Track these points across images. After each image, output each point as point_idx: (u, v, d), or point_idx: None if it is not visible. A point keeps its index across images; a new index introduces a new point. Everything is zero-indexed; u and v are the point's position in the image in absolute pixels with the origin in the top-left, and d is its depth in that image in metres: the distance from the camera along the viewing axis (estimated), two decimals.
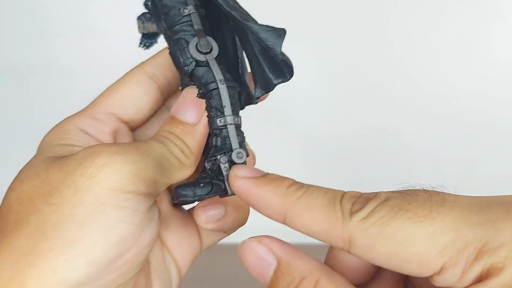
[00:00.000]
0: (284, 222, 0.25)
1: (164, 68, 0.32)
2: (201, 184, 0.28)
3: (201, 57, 0.28)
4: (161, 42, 0.32)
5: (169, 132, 0.29)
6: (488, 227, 0.22)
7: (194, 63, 0.28)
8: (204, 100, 0.28)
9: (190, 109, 0.29)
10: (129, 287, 0.27)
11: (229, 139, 0.28)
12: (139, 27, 0.32)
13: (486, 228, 0.22)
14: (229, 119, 0.28)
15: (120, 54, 0.54)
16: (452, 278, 0.22)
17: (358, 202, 0.24)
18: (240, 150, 0.28)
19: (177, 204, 0.31)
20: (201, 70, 0.28)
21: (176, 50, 0.28)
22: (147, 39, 0.33)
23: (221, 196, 0.29)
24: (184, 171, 0.28)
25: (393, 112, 0.67)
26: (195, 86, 0.29)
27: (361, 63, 0.66)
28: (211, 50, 0.29)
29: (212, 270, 0.64)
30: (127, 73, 0.32)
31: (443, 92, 0.66)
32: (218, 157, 0.28)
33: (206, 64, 0.28)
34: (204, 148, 0.29)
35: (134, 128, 0.32)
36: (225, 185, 0.28)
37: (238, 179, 0.26)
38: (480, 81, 0.66)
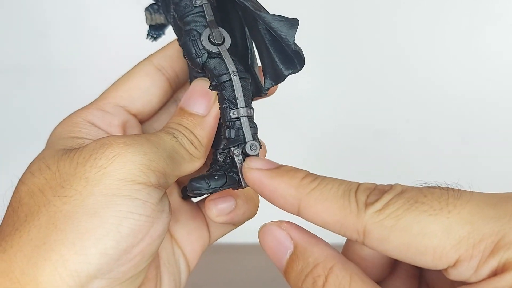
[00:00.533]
0: (298, 213, 0.25)
1: (172, 60, 0.32)
2: (215, 177, 0.27)
3: (213, 49, 0.28)
4: (168, 34, 0.32)
5: (178, 124, 0.29)
6: (505, 222, 0.22)
7: (206, 54, 0.28)
8: (213, 92, 0.29)
9: (200, 100, 0.29)
10: (140, 279, 0.27)
11: (243, 131, 0.28)
12: (146, 18, 0.32)
13: (503, 222, 0.22)
14: (242, 111, 0.28)
15: (119, 54, 0.54)
16: (467, 271, 0.22)
17: (373, 194, 0.24)
18: (254, 142, 0.27)
19: (190, 196, 0.31)
20: (213, 62, 0.28)
21: (188, 42, 0.28)
22: (155, 31, 0.33)
23: (234, 189, 0.28)
24: (194, 163, 0.29)
25: (391, 113, 0.67)
26: (204, 78, 0.29)
27: (359, 64, 0.66)
28: (223, 41, 0.28)
29: (211, 270, 0.64)
30: (135, 65, 0.32)
31: (442, 92, 0.66)
32: (232, 149, 0.27)
33: (219, 55, 0.28)
34: (214, 139, 0.30)
35: (143, 120, 0.32)
36: (239, 177, 0.27)
37: (252, 171, 0.26)
38: (478, 81, 0.66)
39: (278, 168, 0.26)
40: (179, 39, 0.30)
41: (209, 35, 0.28)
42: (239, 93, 0.28)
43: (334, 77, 0.67)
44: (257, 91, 0.29)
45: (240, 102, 0.27)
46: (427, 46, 0.65)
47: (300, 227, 0.26)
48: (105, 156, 0.25)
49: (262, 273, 0.61)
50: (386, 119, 0.66)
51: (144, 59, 0.32)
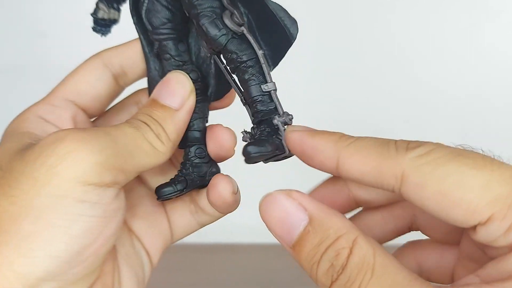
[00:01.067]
0: (336, 168, 0.25)
1: (124, 57, 0.31)
2: (266, 143, 0.27)
3: (237, 29, 0.28)
4: (116, 32, 0.32)
5: (147, 115, 0.28)
6: None
7: (231, 34, 0.28)
8: (189, 85, 0.29)
9: (174, 93, 0.29)
10: (94, 276, 0.27)
11: (275, 103, 0.28)
12: (99, 9, 0.31)
13: None
14: (271, 85, 0.28)
15: None
16: (497, 231, 0.22)
17: (413, 142, 0.23)
18: (289, 113, 0.28)
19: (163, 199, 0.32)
20: (235, 42, 0.28)
21: (209, 23, 0.28)
22: (103, 27, 0.32)
23: (278, 159, 0.28)
24: (157, 158, 0.27)
25: (390, 113, 0.67)
26: (180, 71, 0.30)
27: (358, 63, 0.66)
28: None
29: (210, 270, 0.64)
30: (85, 60, 0.31)
31: (441, 92, 0.66)
32: (276, 118, 0.28)
33: (240, 35, 0.29)
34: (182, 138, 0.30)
35: (93, 115, 0.32)
36: (283, 145, 0.28)
37: (295, 132, 0.27)
38: (478, 80, 0.66)
39: (317, 130, 0.27)
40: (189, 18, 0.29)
41: (231, 15, 0.28)
42: (266, 69, 0.28)
43: (332, 77, 0.67)
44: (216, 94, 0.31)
45: (268, 77, 0.29)
46: (426, 45, 0.65)
47: (312, 197, 0.24)
48: (56, 153, 0.24)
49: (260, 273, 0.61)
50: (385, 118, 0.66)
51: (94, 55, 0.31)
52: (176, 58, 0.31)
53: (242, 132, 0.29)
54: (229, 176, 0.30)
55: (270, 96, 0.28)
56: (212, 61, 0.31)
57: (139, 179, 0.32)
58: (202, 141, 0.31)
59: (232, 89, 0.31)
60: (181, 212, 0.32)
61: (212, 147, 0.30)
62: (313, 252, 0.23)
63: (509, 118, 0.66)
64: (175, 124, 0.28)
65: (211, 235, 0.67)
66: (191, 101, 0.29)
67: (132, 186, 0.32)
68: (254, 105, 0.29)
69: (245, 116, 0.30)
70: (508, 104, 0.66)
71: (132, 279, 0.30)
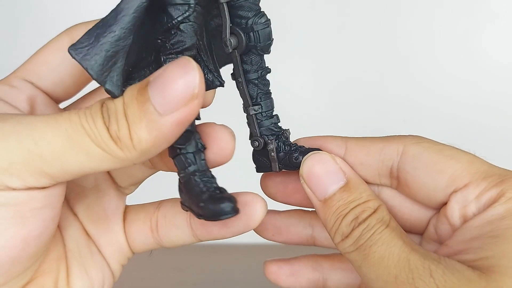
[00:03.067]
0: (344, 154, 0.29)
1: None
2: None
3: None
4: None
5: (120, 104, 0.21)
6: None
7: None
8: (200, 87, 0.21)
9: (168, 89, 0.20)
10: (24, 281, 0.25)
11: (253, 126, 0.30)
12: None
13: None
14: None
15: None
16: (470, 195, 0.26)
17: (412, 135, 0.29)
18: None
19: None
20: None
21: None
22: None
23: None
24: (110, 163, 0.22)
25: (388, 112, 0.67)
26: (193, 60, 0.21)
27: (356, 64, 0.66)
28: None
29: (211, 270, 0.64)
30: (54, 37, 0.27)
31: (439, 93, 0.66)
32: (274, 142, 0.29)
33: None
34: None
35: (60, 100, 0.28)
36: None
37: (302, 140, 0.31)
38: (475, 82, 0.66)
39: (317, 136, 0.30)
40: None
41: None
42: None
43: (331, 77, 0.67)
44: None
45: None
46: (425, 47, 0.65)
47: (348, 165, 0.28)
48: None
49: (261, 273, 0.61)
50: (383, 118, 0.66)
51: (64, 31, 0.27)
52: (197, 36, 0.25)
53: (256, 139, 0.30)
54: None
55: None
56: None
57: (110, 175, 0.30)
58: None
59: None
60: (140, 227, 0.30)
61: (214, 151, 0.26)
62: (344, 207, 0.26)
63: (507, 119, 0.66)
64: (151, 132, 0.21)
65: None
66: (188, 109, 0.21)
67: (91, 180, 0.29)
68: (267, 117, 0.29)
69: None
70: (506, 106, 0.66)
71: (85, 281, 0.28)
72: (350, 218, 0.26)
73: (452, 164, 0.26)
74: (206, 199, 0.23)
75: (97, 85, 0.29)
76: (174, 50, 0.24)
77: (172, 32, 0.24)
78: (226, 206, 0.23)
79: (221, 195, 0.24)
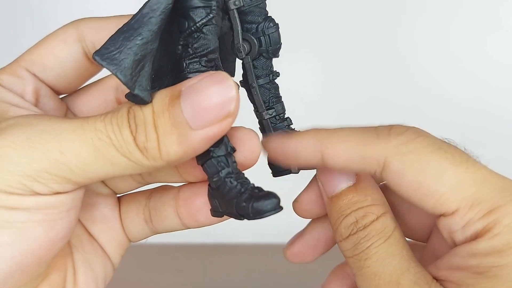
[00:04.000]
0: (322, 160, 0.25)
1: (99, 32, 0.26)
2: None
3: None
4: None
5: (149, 113, 0.21)
6: (506, 195, 0.23)
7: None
8: (236, 100, 0.21)
9: (204, 105, 0.20)
10: (40, 280, 0.25)
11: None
12: None
13: (505, 195, 0.23)
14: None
15: None
16: (456, 225, 0.24)
17: (396, 128, 0.25)
18: None
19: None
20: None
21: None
22: None
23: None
24: (135, 170, 0.22)
25: (389, 115, 0.67)
26: (231, 78, 0.21)
27: (359, 66, 0.66)
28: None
29: (211, 270, 0.64)
30: (61, 27, 0.27)
31: (441, 95, 0.66)
32: None
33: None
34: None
35: (61, 93, 0.28)
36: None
37: (273, 139, 0.26)
38: (478, 85, 0.66)
39: (293, 132, 0.27)
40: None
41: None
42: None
43: (332, 79, 0.67)
44: None
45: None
46: (427, 50, 0.65)
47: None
48: None
49: (261, 273, 0.61)
50: (387, 121, 0.66)
51: (71, 22, 0.26)
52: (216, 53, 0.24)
53: None
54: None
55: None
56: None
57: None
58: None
59: None
60: (135, 219, 0.30)
61: (244, 154, 0.25)
62: (347, 206, 0.25)
63: (509, 122, 0.66)
64: (181, 145, 0.21)
65: (213, 236, 0.67)
66: (221, 126, 0.21)
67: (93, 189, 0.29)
68: (281, 120, 0.29)
69: None
70: (508, 109, 0.66)
71: (89, 276, 0.28)
72: (350, 220, 0.25)
73: (438, 188, 0.23)
74: (247, 199, 0.23)
75: (98, 78, 0.29)
76: (198, 54, 0.23)
77: (195, 36, 0.23)
78: (271, 202, 0.22)
79: (263, 192, 0.23)
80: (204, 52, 0.23)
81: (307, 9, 0.64)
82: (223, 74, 0.21)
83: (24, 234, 0.22)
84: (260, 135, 0.29)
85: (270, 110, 0.29)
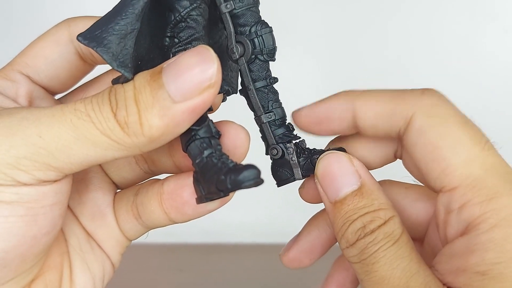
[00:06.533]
0: (353, 118, 0.26)
1: None
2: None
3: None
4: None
5: (130, 89, 0.21)
6: (509, 189, 0.23)
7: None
8: (216, 77, 0.21)
9: (183, 76, 0.20)
10: (31, 276, 0.25)
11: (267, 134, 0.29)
12: None
13: (509, 187, 0.23)
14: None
15: None
16: (455, 202, 0.24)
17: (430, 90, 0.26)
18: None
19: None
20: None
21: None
22: None
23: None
24: (118, 151, 0.21)
25: None
26: (210, 49, 0.21)
27: (357, 67, 0.66)
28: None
29: (211, 270, 0.64)
30: (52, 27, 0.26)
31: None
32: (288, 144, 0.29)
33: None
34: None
35: (55, 93, 0.28)
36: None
37: (304, 109, 0.27)
38: (477, 83, 0.66)
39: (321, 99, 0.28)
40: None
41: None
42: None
43: (332, 79, 0.67)
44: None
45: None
46: (426, 48, 0.65)
47: (366, 169, 0.26)
48: None
49: (261, 273, 0.61)
50: None
51: (62, 21, 0.26)
52: (204, 38, 0.25)
53: (275, 147, 0.29)
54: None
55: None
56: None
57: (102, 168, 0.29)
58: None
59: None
60: (125, 216, 0.29)
61: (228, 148, 0.25)
62: (353, 211, 0.25)
63: (509, 120, 0.66)
64: (163, 118, 0.20)
65: (212, 235, 0.67)
66: (203, 98, 0.21)
67: (84, 176, 0.28)
68: (280, 124, 0.29)
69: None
70: (508, 107, 0.66)
71: (87, 275, 0.27)
72: (357, 225, 0.24)
73: (449, 157, 0.24)
74: (227, 172, 0.22)
75: (92, 77, 0.29)
76: (184, 42, 0.24)
77: (180, 26, 0.24)
78: (251, 172, 0.21)
79: (242, 165, 0.22)
80: (189, 40, 0.24)
81: (304, 6, 0.64)
82: (203, 47, 0.21)
83: (6, 230, 0.21)
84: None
85: (269, 114, 0.28)
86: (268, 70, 0.29)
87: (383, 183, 0.30)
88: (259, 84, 0.28)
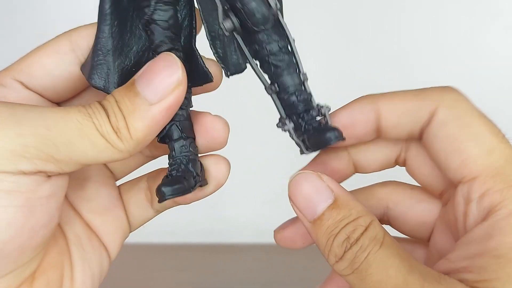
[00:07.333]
0: (377, 118, 0.28)
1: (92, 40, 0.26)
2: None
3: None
4: None
5: (113, 102, 0.23)
6: None
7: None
8: (182, 75, 0.24)
9: (154, 81, 0.24)
10: (30, 270, 0.25)
11: (309, 92, 0.29)
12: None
13: None
14: (305, 74, 0.30)
15: None
16: (475, 192, 0.25)
17: (451, 87, 0.27)
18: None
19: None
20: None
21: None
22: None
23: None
24: (111, 154, 0.23)
25: None
26: (170, 53, 0.24)
27: (358, 64, 0.66)
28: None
29: (211, 270, 0.64)
30: (52, 39, 0.27)
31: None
32: (324, 106, 0.29)
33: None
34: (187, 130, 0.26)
35: (56, 102, 0.28)
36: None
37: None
38: (482, 81, 0.66)
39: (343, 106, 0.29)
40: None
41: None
42: (298, 57, 0.30)
43: (332, 79, 0.67)
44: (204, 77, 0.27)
45: (301, 65, 0.30)
46: (428, 45, 0.65)
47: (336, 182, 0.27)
48: None
49: (261, 273, 0.61)
50: None
51: (63, 33, 0.27)
52: (172, 29, 0.26)
53: (280, 120, 0.29)
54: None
55: (303, 85, 0.29)
56: (234, 41, 0.28)
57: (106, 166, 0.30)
58: (189, 133, 0.27)
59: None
60: (138, 203, 0.30)
61: (203, 140, 0.27)
62: (334, 226, 0.25)
63: (509, 118, 0.66)
64: (144, 120, 0.23)
65: (212, 235, 0.67)
66: (174, 96, 0.24)
67: (88, 172, 0.29)
68: (289, 95, 0.28)
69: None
70: (509, 104, 0.66)
71: (87, 273, 0.28)
72: (341, 238, 0.25)
73: (470, 147, 0.25)
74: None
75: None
76: (152, 46, 0.26)
77: (147, 30, 0.26)
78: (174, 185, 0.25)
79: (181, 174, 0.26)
80: (152, 46, 0.26)
81: (304, 3, 0.64)
82: (166, 53, 0.25)
83: (4, 220, 0.22)
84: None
85: (273, 85, 0.28)
86: (270, 39, 0.28)
87: (388, 184, 0.31)
88: (261, 53, 0.28)
